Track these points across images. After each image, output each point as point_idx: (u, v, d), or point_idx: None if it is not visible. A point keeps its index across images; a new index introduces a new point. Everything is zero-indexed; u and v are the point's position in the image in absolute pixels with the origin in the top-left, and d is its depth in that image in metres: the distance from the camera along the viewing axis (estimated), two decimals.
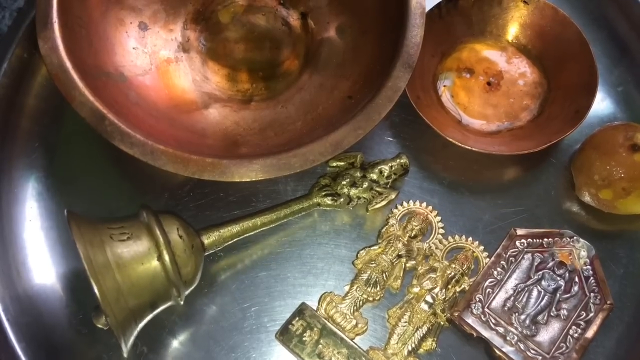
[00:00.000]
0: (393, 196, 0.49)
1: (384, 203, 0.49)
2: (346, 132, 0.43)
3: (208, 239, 0.45)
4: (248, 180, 0.42)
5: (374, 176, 0.49)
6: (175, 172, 0.41)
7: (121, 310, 0.39)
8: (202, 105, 0.51)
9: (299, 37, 0.53)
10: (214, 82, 0.52)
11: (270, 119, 0.50)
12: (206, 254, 0.45)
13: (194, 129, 0.48)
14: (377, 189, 0.49)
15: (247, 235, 0.47)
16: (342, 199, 0.49)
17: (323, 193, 0.49)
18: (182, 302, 0.43)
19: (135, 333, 0.41)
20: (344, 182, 0.49)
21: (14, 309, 0.45)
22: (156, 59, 0.51)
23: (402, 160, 0.50)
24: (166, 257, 0.41)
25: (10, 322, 0.44)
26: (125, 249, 0.40)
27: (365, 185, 0.49)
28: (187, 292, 0.43)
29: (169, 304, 0.43)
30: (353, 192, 0.49)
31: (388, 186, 0.50)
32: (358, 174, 0.49)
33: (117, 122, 0.42)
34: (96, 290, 0.37)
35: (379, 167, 0.49)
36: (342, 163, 0.50)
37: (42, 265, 0.48)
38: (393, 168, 0.50)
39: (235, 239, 0.46)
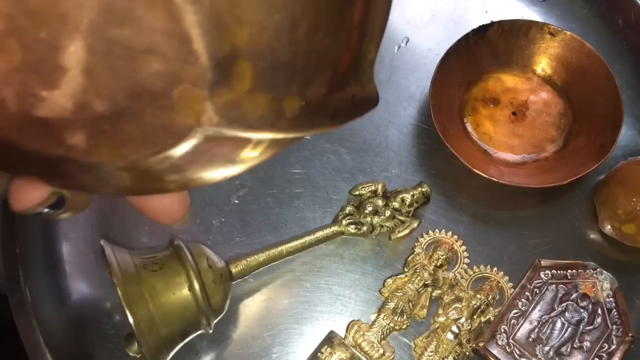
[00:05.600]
0: (415, 225, 0.50)
1: (406, 232, 0.50)
2: None
3: (236, 267, 0.46)
4: None
5: (396, 204, 0.50)
6: None
7: (154, 339, 0.40)
8: None
9: None
10: None
11: None
12: (234, 282, 0.46)
13: None
14: (400, 217, 0.50)
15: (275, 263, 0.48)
16: (365, 228, 0.50)
17: (347, 222, 0.50)
18: (211, 331, 0.44)
19: None
20: (367, 211, 0.50)
21: (55, 334, 0.46)
22: None
23: (423, 189, 0.51)
24: (197, 287, 0.42)
25: (49, 347, 0.45)
26: (157, 280, 0.41)
27: (388, 213, 0.50)
28: (215, 321, 0.44)
29: (198, 332, 0.44)
30: (376, 220, 0.50)
31: (410, 215, 0.51)
32: (380, 203, 0.50)
33: None
34: (131, 320, 0.38)
35: (401, 196, 0.50)
36: (364, 191, 0.51)
37: (80, 290, 0.49)
38: (415, 197, 0.50)
39: (262, 267, 0.47)
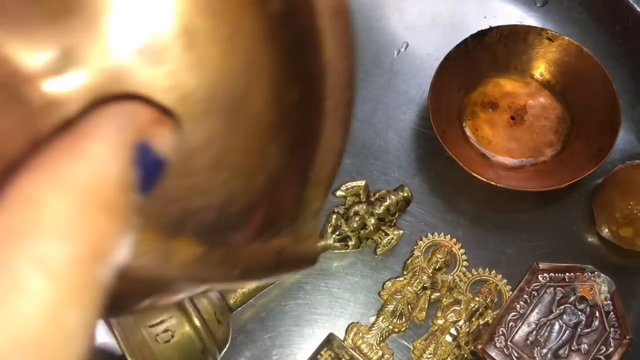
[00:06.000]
0: (399, 234, 0.51)
1: (392, 244, 0.51)
2: None
3: (233, 299, 0.47)
4: None
5: (380, 212, 0.50)
6: None
7: None
8: None
9: None
10: None
11: None
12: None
13: None
14: (384, 228, 0.50)
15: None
16: (352, 242, 0.50)
17: (334, 236, 0.50)
18: None
19: None
20: (354, 225, 0.50)
21: None
22: None
23: (405, 194, 0.51)
24: (208, 346, 0.42)
25: None
26: (170, 348, 0.41)
27: (373, 222, 0.50)
28: (221, 355, 0.45)
29: None
30: (362, 233, 0.50)
31: (394, 222, 0.51)
32: (364, 209, 0.50)
33: None
34: None
35: (384, 204, 0.50)
36: (347, 194, 0.51)
37: None
38: (398, 204, 0.51)
39: (259, 293, 0.48)
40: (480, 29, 0.54)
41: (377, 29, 0.59)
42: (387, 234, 0.50)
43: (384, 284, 0.50)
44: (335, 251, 0.50)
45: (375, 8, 0.60)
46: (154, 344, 0.41)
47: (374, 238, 0.50)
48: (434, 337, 0.48)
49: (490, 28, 0.55)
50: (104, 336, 0.47)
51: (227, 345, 0.45)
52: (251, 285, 0.47)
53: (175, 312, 0.42)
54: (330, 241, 0.50)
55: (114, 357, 0.46)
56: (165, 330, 0.42)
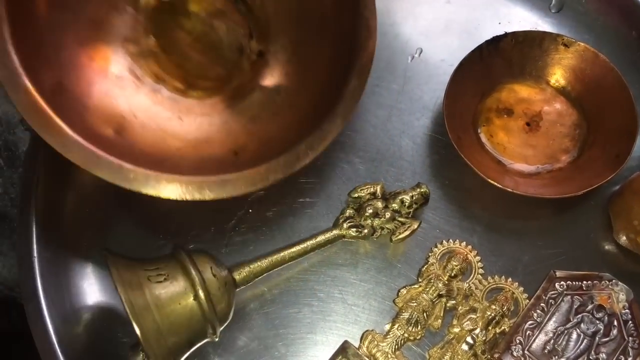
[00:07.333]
0: (415, 226, 0.50)
1: (407, 233, 0.50)
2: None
3: (239, 275, 0.46)
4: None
5: (396, 206, 0.50)
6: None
7: (161, 350, 0.40)
8: None
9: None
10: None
11: None
12: (238, 289, 0.47)
13: None
14: (400, 219, 0.50)
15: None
16: (366, 230, 0.49)
17: (347, 225, 0.50)
18: (217, 339, 0.44)
19: None
20: (367, 214, 0.50)
21: (70, 342, 0.46)
22: None
23: (422, 190, 0.51)
24: (202, 296, 0.42)
25: (64, 355, 0.45)
26: (162, 290, 0.41)
27: (388, 215, 0.50)
28: (221, 328, 0.44)
29: (205, 340, 0.44)
30: (376, 222, 0.50)
31: (410, 216, 0.51)
32: (380, 205, 0.50)
33: None
34: (138, 332, 0.39)
35: (400, 197, 0.50)
36: (363, 193, 0.51)
37: (95, 298, 0.49)
38: (414, 197, 0.50)
39: (266, 273, 0.47)
40: (495, 35, 0.54)
41: (391, 35, 0.59)
42: (402, 223, 0.50)
43: (398, 291, 0.49)
44: (348, 239, 0.50)
45: (389, 14, 0.59)
46: (144, 280, 0.41)
47: (389, 227, 0.50)
48: (450, 345, 0.47)
49: (506, 34, 0.54)
50: (111, 298, 0.49)
51: (228, 321, 0.45)
52: (261, 265, 0.47)
53: (180, 278, 0.42)
54: (342, 230, 0.49)
55: (119, 318, 0.48)
56: (159, 274, 0.42)
